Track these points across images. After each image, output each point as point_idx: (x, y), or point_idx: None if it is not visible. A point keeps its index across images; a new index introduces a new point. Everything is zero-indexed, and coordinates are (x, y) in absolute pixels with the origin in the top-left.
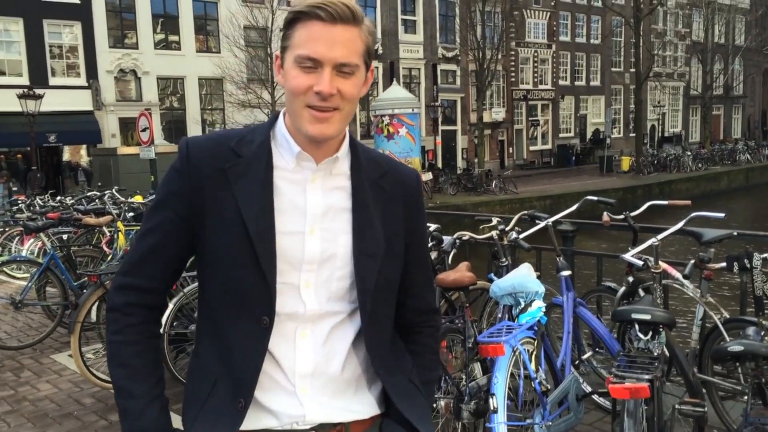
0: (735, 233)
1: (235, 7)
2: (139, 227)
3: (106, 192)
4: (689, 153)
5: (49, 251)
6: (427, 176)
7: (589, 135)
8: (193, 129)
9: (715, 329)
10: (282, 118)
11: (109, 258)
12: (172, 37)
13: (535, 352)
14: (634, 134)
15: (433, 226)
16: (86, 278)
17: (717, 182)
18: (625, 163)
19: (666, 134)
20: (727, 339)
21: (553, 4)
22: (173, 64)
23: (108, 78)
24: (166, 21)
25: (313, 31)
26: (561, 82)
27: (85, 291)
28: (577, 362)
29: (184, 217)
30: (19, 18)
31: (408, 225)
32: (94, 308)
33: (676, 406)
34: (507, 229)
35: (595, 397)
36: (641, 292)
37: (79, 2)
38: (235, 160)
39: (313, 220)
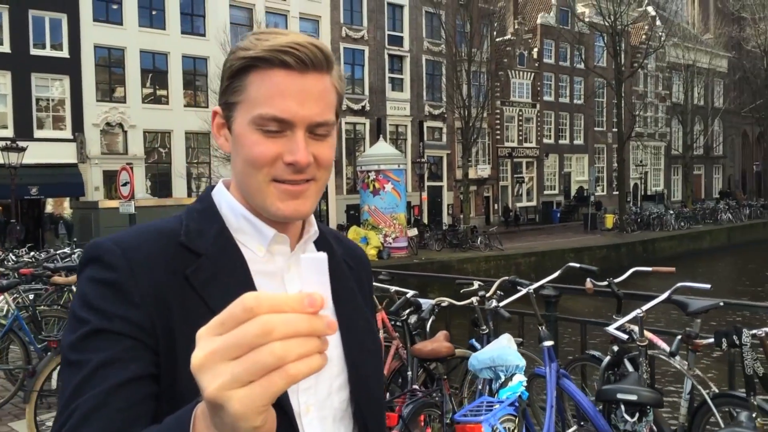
0: (721, 303)
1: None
2: None
3: (75, 250)
4: (672, 212)
5: (12, 312)
6: (412, 232)
7: (573, 192)
8: (178, 182)
9: (704, 404)
10: (226, 194)
11: None
12: (161, 92)
13: (516, 430)
14: (617, 192)
15: (410, 292)
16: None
17: (700, 241)
18: (609, 220)
19: (649, 192)
20: (717, 416)
21: (537, 65)
22: (161, 118)
23: (94, 131)
24: (155, 76)
25: (278, 83)
26: (545, 140)
27: (46, 355)
28: None
29: (149, 346)
30: (7, 71)
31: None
32: (55, 374)
33: None
34: (487, 295)
35: None
36: (627, 364)
37: (68, 56)
38: (195, 261)
39: None
